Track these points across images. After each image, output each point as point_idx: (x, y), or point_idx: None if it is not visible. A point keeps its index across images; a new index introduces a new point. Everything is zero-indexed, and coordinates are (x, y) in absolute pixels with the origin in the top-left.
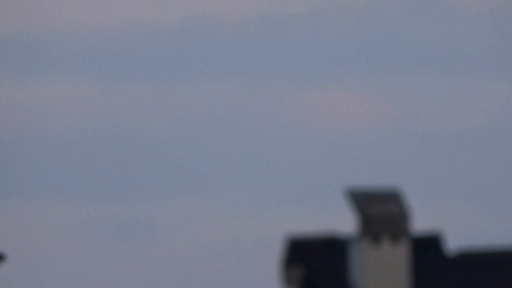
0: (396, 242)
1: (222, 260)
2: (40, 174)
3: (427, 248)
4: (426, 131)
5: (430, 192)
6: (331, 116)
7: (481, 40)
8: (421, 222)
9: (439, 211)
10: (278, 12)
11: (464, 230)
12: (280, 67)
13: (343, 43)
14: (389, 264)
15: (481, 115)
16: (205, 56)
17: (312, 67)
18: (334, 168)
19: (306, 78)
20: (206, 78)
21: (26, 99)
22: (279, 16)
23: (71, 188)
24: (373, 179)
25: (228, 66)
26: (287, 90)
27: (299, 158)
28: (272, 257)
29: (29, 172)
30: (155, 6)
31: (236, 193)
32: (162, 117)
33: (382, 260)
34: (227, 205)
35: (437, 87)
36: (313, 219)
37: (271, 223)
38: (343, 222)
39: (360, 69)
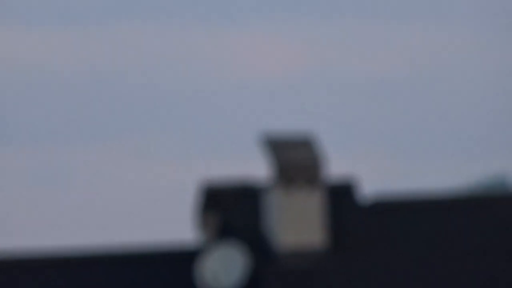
0: (310, 189)
1: (137, 206)
2: None
3: (342, 196)
4: (342, 78)
5: (345, 139)
6: (245, 61)
7: None
8: (336, 169)
9: (355, 158)
10: None
11: (380, 177)
12: (193, 11)
13: None
14: (303, 211)
15: (398, 62)
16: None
17: (226, 11)
18: (248, 114)
19: (219, 22)
20: (115, 22)
21: None
22: None
23: None
24: (288, 125)
25: (139, 9)
26: (200, 34)
27: (213, 104)
28: (187, 204)
29: None
30: None
31: (151, 140)
32: (76, 62)
33: (296, 207)
34: (142, 152)
35: (354, 32)
36: (228, 166)
37: (186, 170)
38: (258, 169)
39: (275, 13)
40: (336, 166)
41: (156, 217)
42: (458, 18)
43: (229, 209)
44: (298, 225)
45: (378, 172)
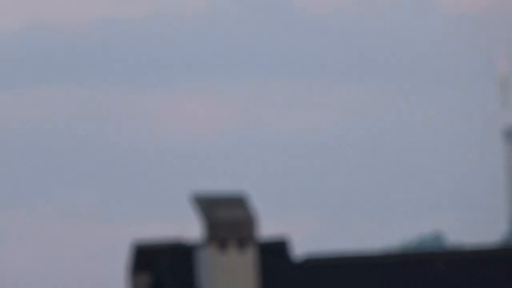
0: (242, 247)
1: (71, 265)
2: None
3: (273, 254)
4: (273, 138)
5: (277, 199)
6: (178, 121)
7: (326, 43)
8: (268, 228)
9: (286, 218)
10: (118, 16)
11: (309, 236)
12: (126, 70)
13: (189, 47)
14: (236, 269)
15: (326, 120)
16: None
17: (159, 72)
18: (180, 174)
19: (151, 82)
20: (45, 85)
21: None
22: (118, 21)
23: None
24: (220, 185)
25: (64, 71)
26: (131, 93)
27: (147, 164)
28: (119, 264)
29: None
30: None
31: (84, 200)
32: (7, 121)
33: (229, 266)
34: (76, 211)
35: (286, 92)
36: (161, 226)
37: (118, 230)
38: (191, 228)
39: (209, 74)
40: (268, 225)
41: (90, 277)
42: (380, 80)
43: (161, 268)
44: (231, 283)
45: (310, 232)
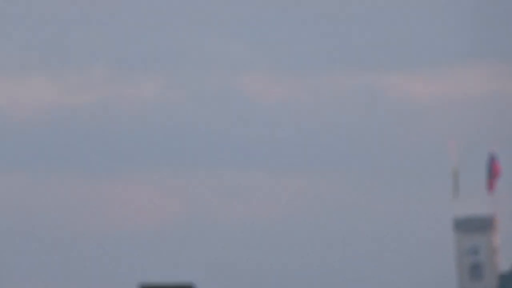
0: None
1: None
2: None
3: None
4: (217, 225)
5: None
6: (123, 210)
7: (276, 132)
8: None
9: None
10: (68, 104)
11: None
12: (68, 158)
13: (138, 135)
14: None
15: (270, 207)
16: None
17: (95, 159)
18: (127, 265)
19: (89, 170)
20: None
21: None
22: (67, 109)
23: None
24: (167, 276)
25: (10, 158)
26: (75, 181)
27: (93, 254)
28: None
29: None
30: None
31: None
32: None
33: None
34: None
35: (233, 181)
36: None
37: None
38: None
39: (159, 164)
40: None
41: None
42: (329, 170)
43: None
44: None
45: None
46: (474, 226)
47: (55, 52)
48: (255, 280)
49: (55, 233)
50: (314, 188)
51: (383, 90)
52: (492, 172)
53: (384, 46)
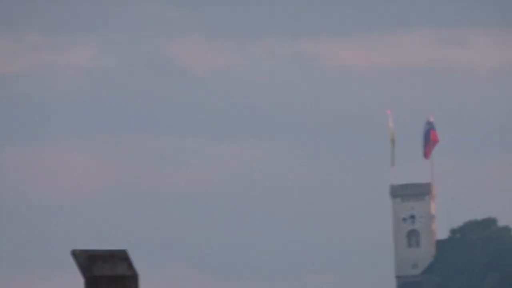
0: None
1: None
2: None
3: None
4: (151, 191)
5: (158, 254)
6: (58, 177)
7: (210, 102)
8: (149, 285)
9: (167, 273)
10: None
11: None
12: (2, 126)
13: (68, 102)
14: None
15: (209, 174)
16: None
17: (30, 126)
18: (62, 231)
19: (21, 137)
20: None
21: None
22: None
23: None
24: (101, 241)
25: None
26: (10, 148)
27: (27, 221)
28: None
29: None
30: None
31: None
32: None
33: None
34: None
35: (169, 148)
36: (43, 282)
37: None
38: (70, 284)
39: (85, 127)
40: (150, 279)
41: None
42: (267, 137)
43: None
44: None
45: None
46: (411, 193)
47: None
48: (191, 247)
49: None
50: (250, 156)
51: (319, 57)
52: (429, 140)
53: (322, 12)
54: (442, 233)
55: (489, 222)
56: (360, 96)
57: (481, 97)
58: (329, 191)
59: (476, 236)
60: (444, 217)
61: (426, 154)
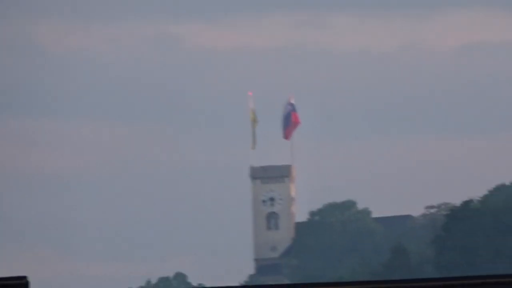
0: None
1: None
2: None
3: None
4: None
5: None
6: None
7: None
8: None
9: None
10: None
11: None
12: None
13: None
14: None
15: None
16: None
17: None
18: None
19: None
20: None
21: None
22: None
23: None
24: None
25: None
26: None
27: None
28: None
29: None
30: None
31: None
32: None
33: None
34: None
35: (31, 129)
36: None
37: None
38: None
39: None
40: None
41: None
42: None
43: None
44: None
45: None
46: (271, 176)
47: None
48: (45, 230)
49: None
50: (102, 136)
51: (179, 38)
52: (290, 122)
53: None
54: (301, 216)
55: (349, 205)
56: (220, 77)
57: (341, 79)
58: (189, 173)
59: (335, 218)
60: (304, 200)
61: (287, 136)
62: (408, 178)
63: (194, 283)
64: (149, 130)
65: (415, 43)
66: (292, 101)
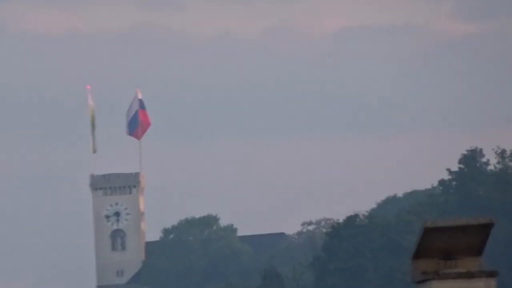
0: None
1: None
2: None
3: None
4: None
5: None
6: None
7: None
8: None
9: None
10: None
11: None
12: None
13: None
14: None
15: None
16: None
17: None
18: None
19: None
20: None
21: None
22: None
23: None
24: None
25: None
26: None
27: None
28: None
29: None
30: None
31: None
32: None
33: None
34: None
35: None
36: None
37: None
38: None
39: None
40: None
41: None
42: None
43: None
44: None
45: None
46: (115, 186)
47: None
48: None
49: None
50: None
51: (4, 20)
52: (138, 122)
53: None
54: (153, 234)
55: (209, 221)
56: (52, 67)
57: (198, 70)
58: (15, 182)
59: (194, 237)
60: (156, 215)
61: (136, 137)
62: (280, 189)
63: None
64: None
65: (280, 27)
66: (140, 96)
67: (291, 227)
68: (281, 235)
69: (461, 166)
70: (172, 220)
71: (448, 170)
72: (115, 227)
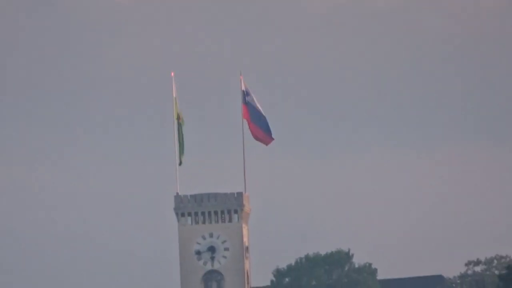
0: None
1: None
2: None
3: None
4: None
5: None
6: None
7: None
8: None
9: None
10: None
11: None
12: None
13: None
14: None
15: None
16: None
17: None
18: None
19: None
20: None
21: None
22: None
23: None
24: None
25: None
26: None
27: None
28: None
29: None
30: None
31: None
32: None
33: None
34: None
35: None
36: None
37: None
38: None
39: None
40: None
41: None
42: None
43: None
44: None
45: None
46: (210, 210)
47: None
48: None
49: None
50: None
51: None
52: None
53: None
54: (261, 277)
55: (340, 258)
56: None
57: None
58: (94, 213)
59: (319, 280)
60: (265, 250)
61: (265, 143)
62: (437, 217)
63: None
64: None
65: None
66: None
67: (451, 268)
68: (438, 278)
69: None
70: (287, 258)
71: None
72: (209, 267)
